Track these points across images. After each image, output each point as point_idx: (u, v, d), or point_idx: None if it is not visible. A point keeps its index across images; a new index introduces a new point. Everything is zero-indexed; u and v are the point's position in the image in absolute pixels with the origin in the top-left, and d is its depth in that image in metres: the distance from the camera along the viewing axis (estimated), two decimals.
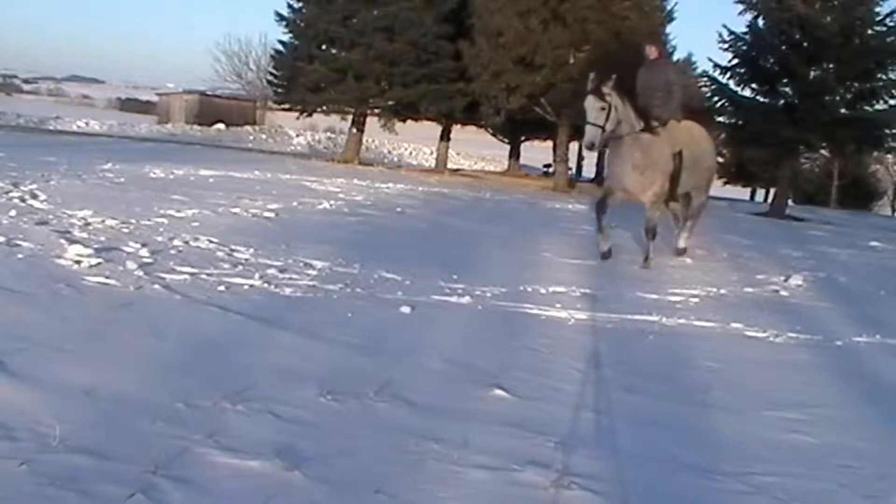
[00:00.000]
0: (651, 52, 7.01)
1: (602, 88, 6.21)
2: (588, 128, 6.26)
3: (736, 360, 3.96)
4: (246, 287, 4.42)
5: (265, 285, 4.50)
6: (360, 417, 2.71)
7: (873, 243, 11.05)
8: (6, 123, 24.99)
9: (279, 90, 22.26)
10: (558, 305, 4.83)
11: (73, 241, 4.93)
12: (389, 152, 34.41)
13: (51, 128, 27.20)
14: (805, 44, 16.51)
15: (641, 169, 6.51)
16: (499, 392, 3.10)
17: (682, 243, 7.52)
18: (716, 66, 18.02)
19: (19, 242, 4.80)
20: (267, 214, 7.44)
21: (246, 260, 5.15)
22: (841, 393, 3.56)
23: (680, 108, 6.91)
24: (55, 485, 2.01)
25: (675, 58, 7.33)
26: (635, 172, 6.52)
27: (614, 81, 6.29)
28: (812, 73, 16.74)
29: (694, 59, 29.98)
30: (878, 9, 16.73)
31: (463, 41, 18.29)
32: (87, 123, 31.21)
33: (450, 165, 25.37)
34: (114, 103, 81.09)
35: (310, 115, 22.14)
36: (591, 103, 6.17)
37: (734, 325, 4.73)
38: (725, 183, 35.34)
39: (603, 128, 6.19)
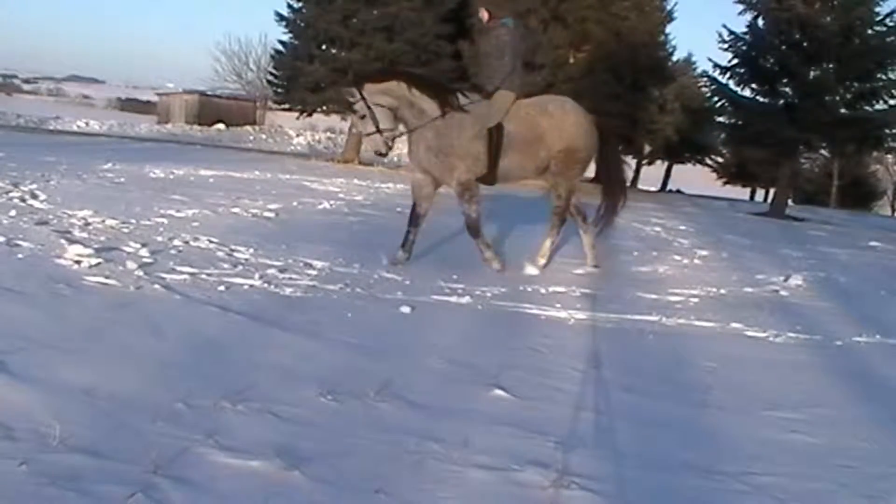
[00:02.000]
0: (483, 15, 5.97)
1: (351, 99, 5.51)
2: (364, 139, 5.61)
3: (736, 360, 3.96)
4: (246, 287, 4.42)
5: (265, 285, 4.50)
6: (360, 417, 2.71)
7: (873, 243, 11.06)
8: (6, 123, 25.01)
9: (279, 90, 22.31)
10: (558, 305, 4.83)
11: (73, 241, 4.93)
12: None
13: (51, 128, 27.21)
14: (805, 44, 16.54)
15: (435, 151, 5.58)
16: (499, 392, 3.10)
17: (542, 253, 6.10)
18: (716, 66, 18.09)
19: (19, 242, 4.80)
20: (267, 214, 7.45)
21: (246, 260, 5.15)
22: (841, 393, 3.56)
23: (518, 75, 5.81)
24: (55, 485, 2.01)
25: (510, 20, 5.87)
26: (430, 154, 5.62)
27: (382, 80, 5.56)
28: (812, 73, 16.77)
29: (694, 59, 30.11)
30: (878, 9, 16.80)
31: (463, 41, 18.30)
32: (87, 123, 31.24)
33: None
34: (114, 103, 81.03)
35: (310, 115, 22.18)
36: (353, 119, 5.60)
37: (734, 325, 4.72)
38: (725, 183, 35.41)
39: (378, 130, 5.44)
